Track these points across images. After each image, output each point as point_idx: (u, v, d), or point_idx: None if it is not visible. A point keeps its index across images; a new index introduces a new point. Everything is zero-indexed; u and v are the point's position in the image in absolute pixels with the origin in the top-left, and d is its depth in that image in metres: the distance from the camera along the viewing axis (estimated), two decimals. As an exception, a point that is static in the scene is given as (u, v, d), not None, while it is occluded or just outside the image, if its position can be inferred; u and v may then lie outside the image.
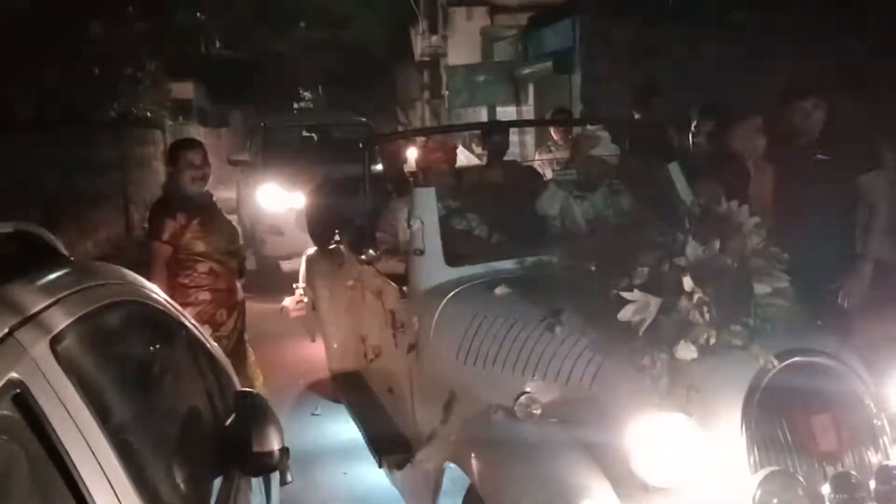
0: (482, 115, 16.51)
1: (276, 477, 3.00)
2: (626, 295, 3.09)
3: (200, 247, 4.68)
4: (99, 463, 1.64)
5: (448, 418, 3.67)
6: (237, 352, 4.79)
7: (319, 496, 4.81)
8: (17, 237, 2.25)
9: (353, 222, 5.46)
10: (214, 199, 4.97)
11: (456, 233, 4.52)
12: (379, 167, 6.37)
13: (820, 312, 3.55)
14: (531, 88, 14.67)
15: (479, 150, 6.97)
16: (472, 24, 18.49)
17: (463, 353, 3.69)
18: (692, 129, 5.48)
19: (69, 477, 1.57)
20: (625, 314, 3.07)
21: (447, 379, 3.76)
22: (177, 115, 22.38)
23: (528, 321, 3.51)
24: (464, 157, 7.31)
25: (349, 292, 5.49)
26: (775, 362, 2.88)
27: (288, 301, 6.76)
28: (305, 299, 6.52)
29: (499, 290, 3.82)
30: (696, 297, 2.94)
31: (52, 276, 2.01)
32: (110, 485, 1.65)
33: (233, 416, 2.54)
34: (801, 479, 2.72)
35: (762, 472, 2.70)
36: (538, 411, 3.10)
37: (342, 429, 5.46)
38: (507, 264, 4.11)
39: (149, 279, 4.37)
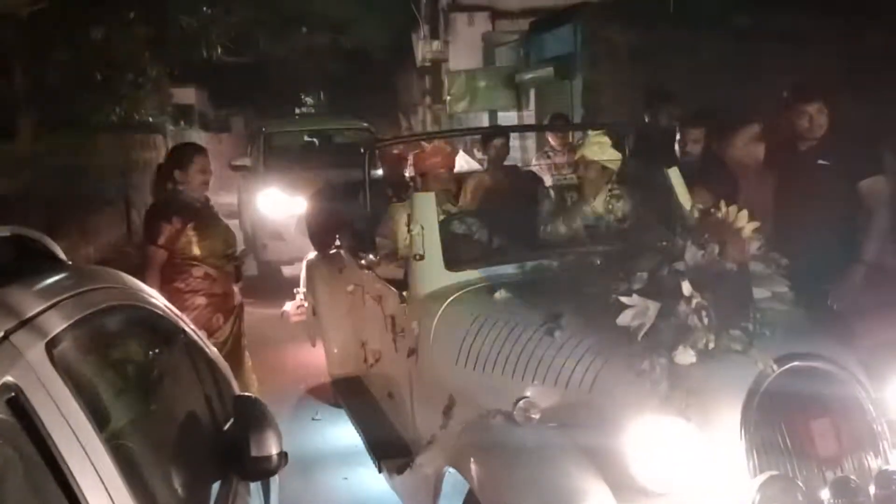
0: (483, 121, 16.52)
1: (275, 481, 3.00)
2: (624, 300, 3.08)
3: (196, 251, 4.68)
4: (94, 467, 1.63)
5: (447, 423, 3.66)
6: (234, 357, 4.79)
7: (320, 501, 4.80)
8: (15, 241, 2.25)
9: (354, 227, 5.46)
10: (213, 203, 4.97)
11: (456, 238, 4.52)
12: (380, 172, 6.38)
13: (818, 317, 3.54)
14: (532, 94, 14.66)
15: (480, 155, 6.95)
16: (474, 29, 18.48)
17: (462, 357, 3.69)
18: (678, 135, 5.42)
19: (64, 481, 1.56)
20: (624, 319, 3.06)
21: (447, 383, 3.76)
22: (178, 120, 22.41)
23: (527, 326, 3.51)
24: (465, 162, 7.32)
25: (349, 297, 5.49)
26: (774, 367, 2.88)
27: (288, 306, 6.76)
28: (306, 304, 6.52)
29: (498, 295, 3.82)
30: (694, 301, 2.94)
31: (49, 279, 2.01)
32: (106, 489, 1.64)
33: (231, 420, 2.53)
34: (800, 483, 2.71)
35: (761, 477, 2.70)
36: (537, 416, 3.09)
37: (342, 433, 5.45)
38: (507, 269, 4.11)
39: (146, 284, 4.39)
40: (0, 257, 2.19)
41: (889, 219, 4.68)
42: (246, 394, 2.83)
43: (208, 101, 31.74)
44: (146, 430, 2.12)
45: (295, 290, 6.72)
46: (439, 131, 15.34)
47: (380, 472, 4.31)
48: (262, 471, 2.40)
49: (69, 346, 1.81)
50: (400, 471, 3.94)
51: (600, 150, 4.52)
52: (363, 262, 4.76)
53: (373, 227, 5.03)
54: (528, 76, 14.07)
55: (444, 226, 4.35)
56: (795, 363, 2.93)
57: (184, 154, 4.83)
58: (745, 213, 3.35)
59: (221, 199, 13.96)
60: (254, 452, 2.33)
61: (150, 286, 4.25)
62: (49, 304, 1.83)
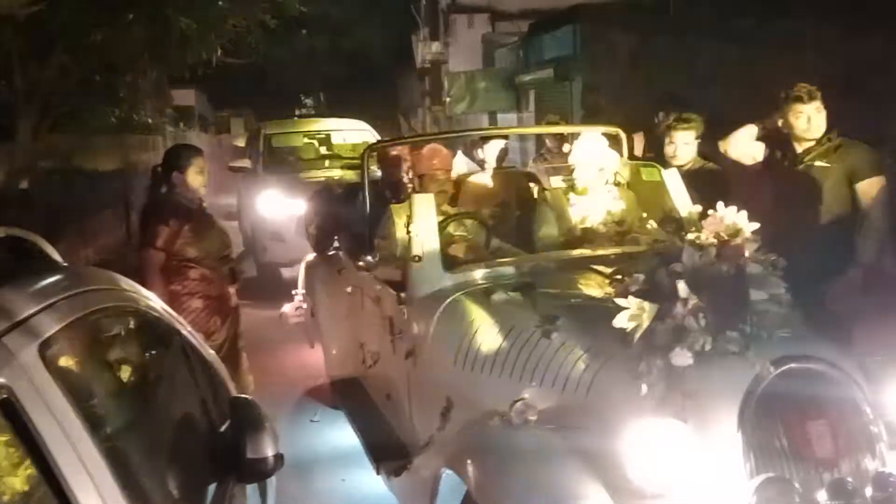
0: (483, 122, 16.55)
1: (272, 483, 2.99)
2: (621, 301, 3.08)
3: (192, 253, 4.68)
4: (87, 470, 1.63)
5: (445, 425, 3.66)
6: (231, 358, 4.79)
7: (317, 502, 4.80)
8: (10, 243, 2.25)
9: (352, 228, 5.46)
10: (209, 204, 4.97)
11: (454, 239, 4.53)
12: (379, 173, 6.37)
13: (816, 319, 3.54)
14: (532, 95, 14.69)
15: (479, 156, 6.95)
16: (474, 31, 18.54)
17: (460, 359, 3.69)
18: (668, 139, 5.38)
19: (56, 483, 1.56)
20: (620, 321, 3.06)
21: (444, 385, 3.76)
22: (178, 122, 22.41)
23: (524, 328, 3.51)
24: (464, 164, 7.31)
25: (348, 298, 5.49)
26: (771, 369, 2.87)
27: (287, 307, 6.76)
28: (304, 305, 6.52)
29: (496, 297, 3.82)
30: (691, 303, 2.94)
31: (43, 281, 2.00)
32: (98, 492, 1.64)
33: (227, 422, 2.53)
34: (797, 485, 2.70)
35: (758, 479, 2.69)
36: (534, 417, 3.09)
37: (340, 435, 5.45)
38: (505, 271, 4.11)
39: (144, 287, 4.39)
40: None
41: (887, 221, 4.67)
42: (242, 396, 2.83)
43: (208, 103, 31.77)
44: (141, 433, 2.12)
45: (294, 292, 6.72)
46: (437, 133, 15.36)
47: (377, 473, 4.30)
48: (258, 472, 2.40)
49: (62, 347, 1.81)
50: (397, 472, 3.94)
51: (596, 151, 4.52)
52: (361, 263, 4.76)
53: (371, 229, 5.03)
54: (528, 78, 14.10)
55: (442, 227, 4.35)
56: (792, 365, 2.92)
57: (181, 156, 4.82)
58: (743, 214, 3.35)
59: (221, 201, 14.00)
60: (250, 454, 2.33)
61: (153, 290, 4.27)
62: (42, 305, 1.82)
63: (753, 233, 3.22)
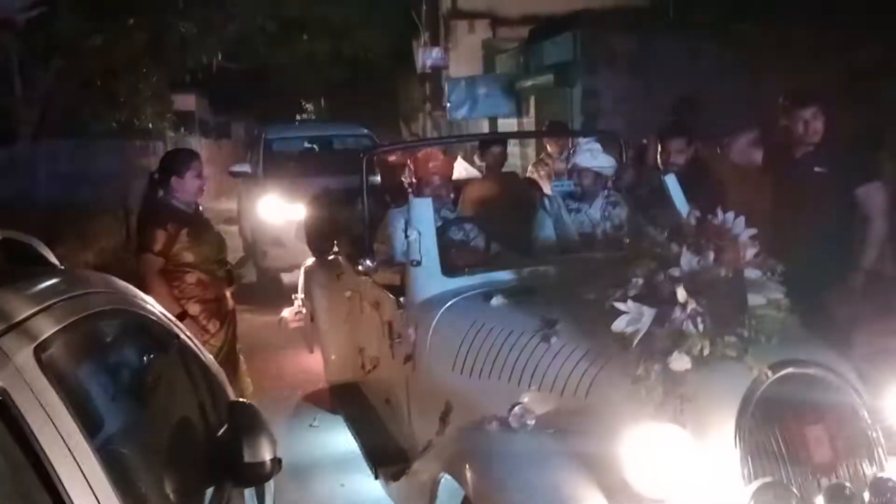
0: (484, 127, 16.53)
1: (270, 487, 2.99)
2: (620, 306, 3.08)
3: (189, 257, 4.67)
4: (83, 473, 1.62)
5: (444, 429, 3.67)
6: (230, 362, 4.79)
7: (316, 507, 4.80)
8: (7, 246, 2.25)
9: (352, 233, 5.47)
10: (207, 209, 4.97)
11: (453, 244, 4.53)
12: (378, 178, 6.38)
13: (814, 324, 3.53)
14: (532, 101, 14.68)
15: (479, 161, 6.96)
16: (474, 36, 18.53)
17: (459, 363, 3.69)
18: (660, 146, 5.36)
19: (51, 487, 1.55)
20: (618, 325, 3.06)
21: (443, 389, 3.76)
22: (178, 127, 22.41)
23: (523, 332, 3.52)
24: (464, 170, 7.33)
25: (347, 303, 5.49)
26: (769, 373, 2.87)
27: (287, 312, 6.76)
28: (304, 310, 6.52)
29: (495, 301, 3.82)
30: (689, 307, 2.94)
31: (39, 284, 2.00)
32: (94, 495, 1.63)
33: (225, 426, 2.52)
34: (795, 490, 2.71)
35: (756, 483, 2.69)
36: (532, 422, 3.09)
37: (339, 440, 5.45)
38: (504, 275, 4.12)
39: (145, 292, 4.39)
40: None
41: (886, 226, 4.68)
42: (240, 399, 2.83)
43: (208, 108, 31.79)
44: (137, 436, 2.11)
45: (293, 296, 6.72)
46: (437, 138, 15.37)
47: (376, 478, 4.30)
48: (256, 477, 2.39)
49: (58, 350, 1.80)
50: (396, 477, 3.93)
51: (592, 156, 4.53)
52: (361, 268, 4.77)
53: (371, 233, 5.03)
54: (528, 83, 14.09)
55: (441, 232, 4.35)
56: (790, 370, 2.92)
57: (179, 160, 4.81)
58: (741, 219, 3.35)
59: (221, 206, 14.02)
60: (247, 458, 2.32)
61: (152, 294, 4.27)
62: (38, 308, 1.82)
63: (752, 238, 3.22)
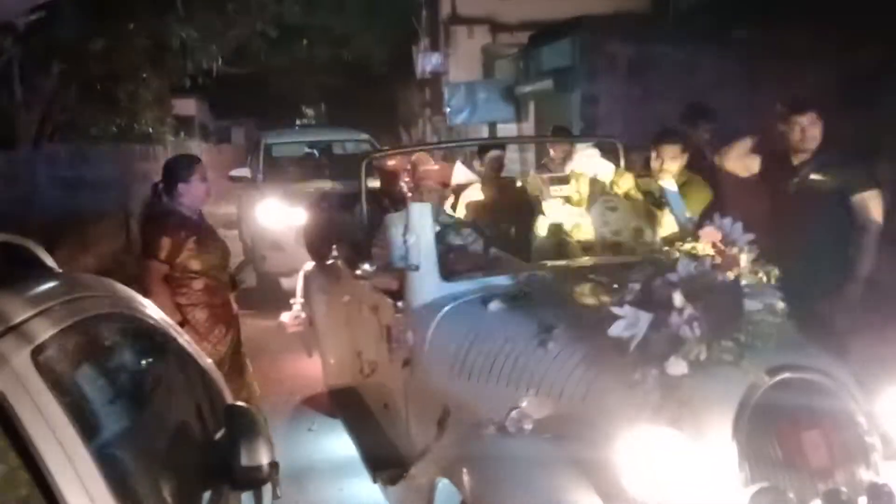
0: (483, 132, 16.57)
1: (268, 491, 2.99)
2: (616, 310, 3.08)
3: (196, 265, 4.65)
4: (79, 476, 1.62)
5: (441, 433, 3.66)
6: (237, 365, 4.80)
7: (314, 512, 4.80)
8: (5, 249, 2.25)
9: (351, 237, 5.47)
10: (205, 214, 4.96)
11: (451, 248, 4.53)
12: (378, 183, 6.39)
13: (810, 329, 3.54)
14: (531, 106, 14.71)
15: (478, 166, 6.96)
16: (474, 42, 18.57)
17: (457, 368, 3.69)
18: (654, 153, 5.35)
19: (48, 490, 1.55)
20: (615, 330, 3.06)
21: (441, 394, 3.76)
22: (179, 132, 22.44)
23: (521, 337, 3.51)
24: (463, 175, 7.33)
25: (346, 307, 5.50)
26: (766, 378, 2.87)
27: (286, 316, 6.76)
28: (303, 314, 6.52)
29: (493, 306, 3.83)
30: (686, 312, 2.94)
31: (37, 286, 2.01)
32: (91, 498, 1.63)
33: (222, 429, 2.53)
34: (791, 495, 2.70)
35: (753, 488, 2.69)
36: (530, 426, 3.09)
37: (338, 444, 5.45)
38: (502, 280, 4.12)
39: (148, 297, 4.40)
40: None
41: (882, 234, 4.68)
42: (237, 403, 2.83)
43: (209, 113, 31.82)
44: (134, 439, 2.12)
45: (292, 301, 6.73)
46: (433, 143, 15.38)
47: (374, 482, 4.30)
48: (253, 480, 2.40)
49: (56, 353, 1.81)
50: (394, 481, 3.94)
51: (590, 162, 4.54)
52: (359, 272, 4.76)
53: (369, 238, 5.03)
54: (528, 89, 14.12)
55: (439, 236, 4.35)
56: (787, 375, 2.92)
57: (183, 165, 4.79)
58: (738, 225, 3.36)
59: (221, 210, 14.02)
60: (244, 462, 2.32)
61: (158, 300, 4.29)
62: (36, 310, 1.83)
63: (749, 244, 3.23)
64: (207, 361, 3.07)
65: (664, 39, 10.62)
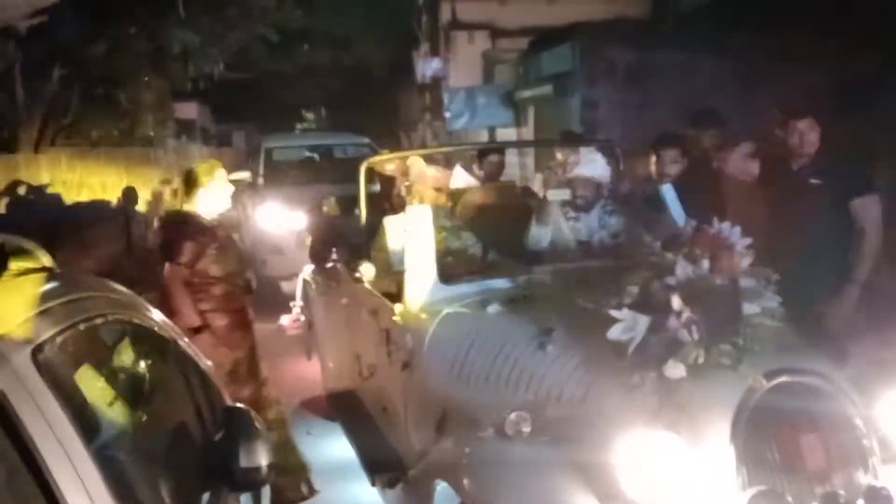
0: (483, 137, 16.58)
1: (266, 493, 2.99)
2: (615, 314, 3.09)
3: (216, 270, 4.66)
4: (78, 475, 1.63)
5: (440, 436, 3.67)
6: (254, 368, 4.80)
7: (313, 514, 4.79)
8: (5, 250, 2.26)
9: (350, 241, 5.48)
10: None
11: (450, 251, 4.54)
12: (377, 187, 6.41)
13: (808, 333, 3.55)
14: (531, 111, 14.73)
15: (478, 170, 6.98)
16: (474, 47, 18.60)
17: (456, 371, 3.70)
18: (654, 157, 5.35)
19: (47, 489, 1.56)
20: (614, 333, 3.07)
21: (440, 397, 3.76)
22: (179, 135, 22.46)
23: (519, 340, 3.52)
24: (462, 179, 7.34)
25: (345, 311, 5.50)
26: (764, 382, 2.88)
27: (285, 319, 6.77)
28: (302, 317, 6.53)
29: (491, 309, 3.84)
30: (684, 316, 2.95)
31: (37, 287, 2.01)
32: (90, 498, 1.64)
33: (221, 431, 2.53)
34: (789, 498, 2.71)
35: (751, 491, 2.70)
36: (528, 429, 3.10)
37: (336, 447, 5.45)
38: (501, 283, 4.13)
39: (170, 304, 4.41)
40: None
41: (881, 238, 4.68)
42: (236, 405, 2.83)
43: (210, 116, 31.82)
44: (134, 440, 2.12)
45: (291, 304, 6.73)
46: (433, 148, 15.40)
47: (373, 485, 4.30)
48: (252, 482, 2.40)
49: (56, 353, 1.81)
50: (393, 484, 3.94)
51: (588, 166, 4.55)
52: (358, 275, 4.78)
53: (369, 241, 5.05)
54: (527, 93, 14.15)
55: (438, 240, 4.36)
56: (785, 378, 2.93)
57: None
58: (736, 229, 3.37)
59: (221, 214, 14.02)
60: (243, 463, 2.33)
61: (180, 305, 4.32)
62: (36, 311, 1.83)
63: (747, 247, 3.23)
64: (206, 362, 3.08)
65: (663, 45, 10.64)
